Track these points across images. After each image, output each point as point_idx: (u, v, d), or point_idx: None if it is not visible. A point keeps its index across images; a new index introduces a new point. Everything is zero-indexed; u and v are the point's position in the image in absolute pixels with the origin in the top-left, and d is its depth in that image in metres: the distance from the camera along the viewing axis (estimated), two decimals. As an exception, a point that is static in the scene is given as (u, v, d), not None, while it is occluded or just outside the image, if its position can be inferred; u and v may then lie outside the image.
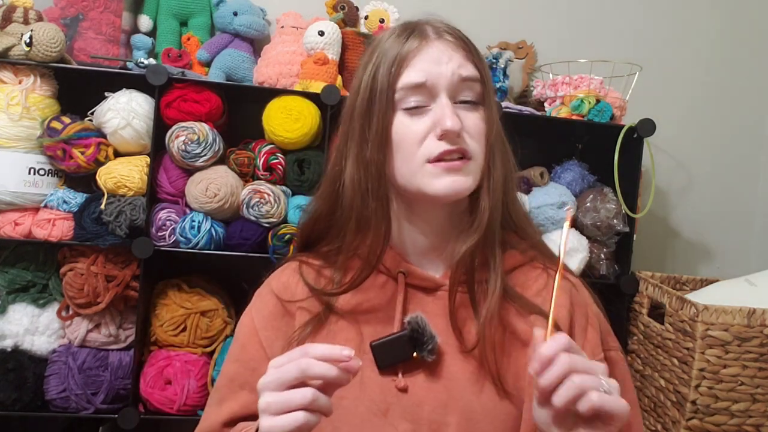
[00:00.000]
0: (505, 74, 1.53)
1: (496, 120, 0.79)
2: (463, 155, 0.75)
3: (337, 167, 0.82)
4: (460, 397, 0.75)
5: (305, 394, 0.60)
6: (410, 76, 0.76)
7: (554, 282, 0.67)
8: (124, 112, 1.32)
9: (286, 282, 0.85)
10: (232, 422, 0.79)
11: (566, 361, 0.59)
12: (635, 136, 1.47)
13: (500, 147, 0.80)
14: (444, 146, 0.74)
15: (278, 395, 0.61)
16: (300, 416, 0.60)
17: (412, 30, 0.79)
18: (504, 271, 0.80)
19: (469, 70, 0.77)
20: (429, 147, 0.75)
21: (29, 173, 1.33)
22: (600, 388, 0.59)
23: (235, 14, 1.51)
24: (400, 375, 0.76)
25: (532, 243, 0.84)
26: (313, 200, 0.87)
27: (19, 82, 1.32)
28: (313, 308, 0.81)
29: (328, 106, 1.35)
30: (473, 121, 0.77)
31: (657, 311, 1.44)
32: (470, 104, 0.78)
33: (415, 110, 0.76)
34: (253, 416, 0.76)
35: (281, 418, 0.60)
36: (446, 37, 0.78)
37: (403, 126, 0.76)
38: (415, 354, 0.75)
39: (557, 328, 0.76)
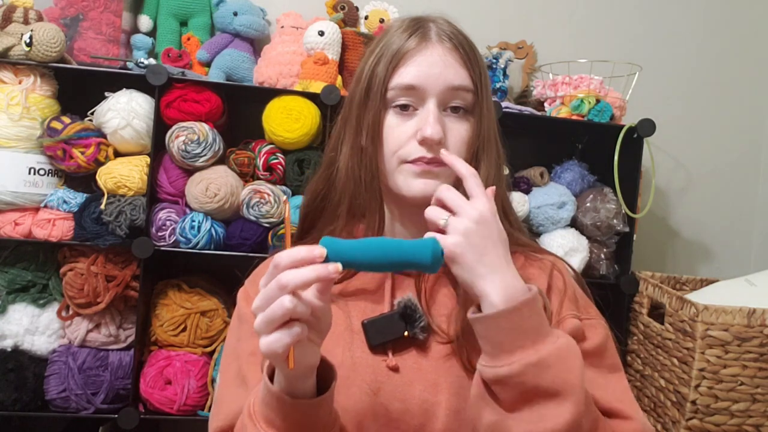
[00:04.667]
0: (505, 74, 1.53)
1: (487, 128, 0.81)
2: (439, 164, 0.78)
3: (333, 152, 0.85)
4: (450, 375, 0.76)
5: (284, 303, 0.58)
6: (403, 76, 0.78)
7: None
8: (124, 112, 1.32)
9: None
10: None
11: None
12: (635, 136, 1.47)
13: (490, 154, 0.81)
14: (422, 152, 0.78)
15: (263, 315, 0.59)
16: (286, 331, 0.59)
17: (416, 28, 0.81)
18: None
19: (462, 79, 0.79)
20: (408, 149, 0.78)
21: (29, 173, 1.33)
22: (435, 226, 0.70)
23: (235, 14, 1.51)
24: (390, 354, 0.77)
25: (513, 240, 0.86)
26: (310, 183, 0.90)
27: (19, 82, 1.32)
28: None
29: (328, 106, 1.35)
30: (458, 131, 0.79)
31: (657, 311, 1.44)
32: (460, 112, 0.80)
33: (404, 110, 0.79)
34: None
35: (270, 337, 0.59)
36: (446, 43, 0.79)
37: (391, 125, 0.80)
38: (406, 333, 0.77)
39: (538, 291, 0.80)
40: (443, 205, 0.71)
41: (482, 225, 0.68)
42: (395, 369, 0.77)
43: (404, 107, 0.79)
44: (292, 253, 0.60)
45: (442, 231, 0.70)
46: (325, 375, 0.68)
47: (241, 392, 0.78)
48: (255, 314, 0.61)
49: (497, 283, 0.67)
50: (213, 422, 0.79)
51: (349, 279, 0.83)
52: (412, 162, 0.78)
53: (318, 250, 0.60)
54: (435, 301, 0.81)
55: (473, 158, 0.80)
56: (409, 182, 0.79)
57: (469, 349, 0.76)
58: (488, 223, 0.69)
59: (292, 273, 0.59)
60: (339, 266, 0.60)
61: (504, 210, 0.87)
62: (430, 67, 0.78)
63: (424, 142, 0.77)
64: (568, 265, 0.89)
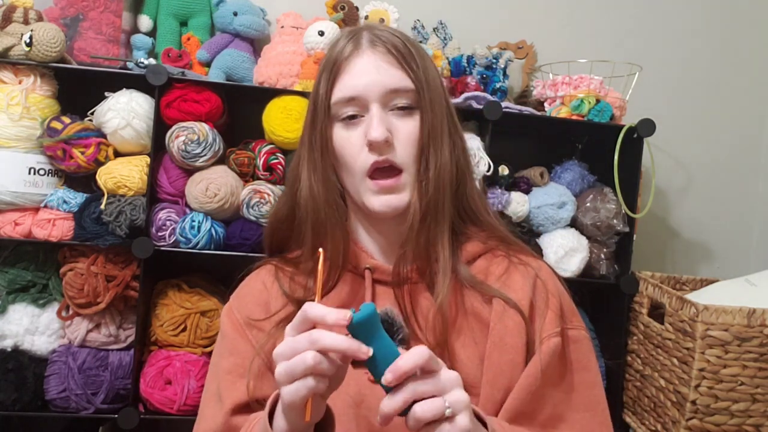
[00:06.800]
0: (505, 74, 1.53)
1: (432, 122, 0.81)
2: (392, 167, 0.79)
3: (294, 173, 0.86)
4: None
5: (305, 359, 0.60)
6: (341, 90, 0.80)
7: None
8: (124, 112, 1.32)
9: (264, 281, 0.88)
10: (238, 410, 0.80)
11: (411, 390, 0.61)
12: (635, 136, 1.47)
13: (439, 148, 0.81)
14: (373, 157, 0.78)
15: (285, 364, 0.61)
16: (304, 383, 0.60)
17: (350, 38, 0.82)
18: (465, 261, 0.84)
19: (398, 81, 0.79)
20: (363, 159, 0.79)
21: (29, 173, 1.33)
22: (442, 413, 0.61)
23: (235, 14, 1.51)
24: None
25: (491, 233, 0.87)
26: (274, 206, 0.91)
27: (19, 82, 1.32)
28: (288, 311, 0.83)
29: (328, 106, 1.35)
30: (404, 128, 0.80)
31: (657, 311, 1.44)
32: (405, 110, 0.80)
33: (350, 121, 0.80)
34: (258, 401, 0.78)
35: (289, 387, 0.61)
36: (378, 48, 0.80)
37: (341, 138, 0.81)
38: None
39: (519, 311, 0.80)
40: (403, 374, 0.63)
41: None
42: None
43: (352, 117, 0.80)
44: (324, 312, 0.61)
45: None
46: (323, 421, 0.69)
47: (217, 409, 0.81)
48: (276, 360, 0.62)
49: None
50: None
51: (328, 293, 0.83)
52: (372, 174, 0.79)
53: (347, 314, 0.61)
54: (418, 309, 0.81)
55: (422, 153, 0.80)
56: (371, 200, 0.80)
57: (451, 356, 0.77)
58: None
59: (326, 335, 0.60)
60: (371, 351, 0.61)
61: (474, 204, 0.87)
62: (364, 75, 0.79)
63: (371, 146, 0.78)
64: (545, 262, 0.89)
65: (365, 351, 0.61)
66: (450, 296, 0.79)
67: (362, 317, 0.61)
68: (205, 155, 1.34)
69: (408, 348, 0.77)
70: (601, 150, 1.54)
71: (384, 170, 0.79)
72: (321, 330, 0.61)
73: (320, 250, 0.68)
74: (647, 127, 1.46)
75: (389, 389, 0.62)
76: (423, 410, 0.61)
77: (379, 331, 0.62)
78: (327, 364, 0.61)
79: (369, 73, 0.79)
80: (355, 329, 0.61)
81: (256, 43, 1.57)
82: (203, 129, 1.34)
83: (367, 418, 0.76)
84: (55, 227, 1.33)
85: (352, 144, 0.80)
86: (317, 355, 0.60)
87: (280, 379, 0.61)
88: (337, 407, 0.75)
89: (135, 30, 1.54)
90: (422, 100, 0.80)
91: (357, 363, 0.76)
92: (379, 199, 0.79)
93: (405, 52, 0.81)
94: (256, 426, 0.72)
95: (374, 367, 0.62)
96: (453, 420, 0.62)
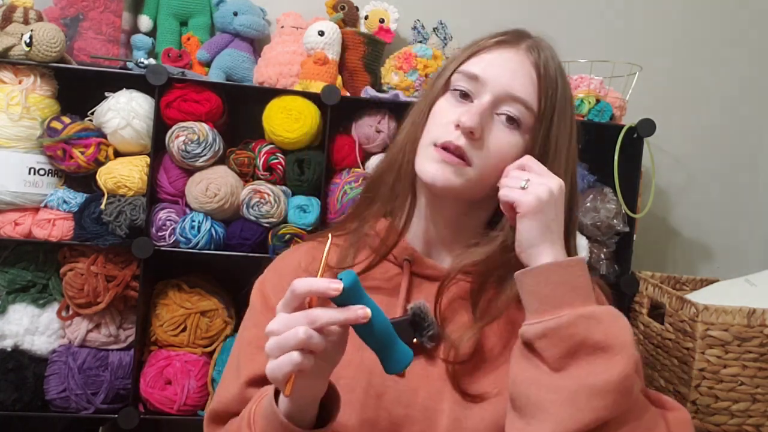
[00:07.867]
0: (505, 74, 1.53)
1: (541, 156, 0.77)
2: (462, 158, 0.75)
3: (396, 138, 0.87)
4: (455, 384, 0.76)
5: (297, 333, 0.58)
6: (473, 64, 0.78)
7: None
8: (124, 112, 1.32)
9: (300, 260, 0.86)
10: (254, 382, 0.78)
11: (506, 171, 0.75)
12: (635, 136, 1.47)
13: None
14: (453, 136, 0.75)
15: (276, 338, 0.60)
16: (289, 358, 0.58)
17: (514, 33, 0.82)
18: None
19: (524, 93, 0.76)
20: (442, 131, 0.77)
21: (29, 173, 1.33)
22: (517, 185, 0.72)
23: (235, 14, 1.51)
24: None
25: None
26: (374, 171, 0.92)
27: (19, 82, 1.32)
28: None
29: (328, 106, 1.35)
30: (498, 138, 0.76)
31: (657, 311, 1.44)
32: (513, 124, 0.77)
33: (460, 96, 0.78)
34: None
35: (275, 361, 0.59)
36: (532, 55, 0.78)
37: (441, 106, 0.79)
38: (415, 340, 0.76)
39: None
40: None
41: (559, 195, 0.72)
42: (401, 374, 0.76)
43: (464, 95, 0.78)
44: (311, 283, 0.60)
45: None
46: (329, 400, 0.68)
47: (233, 379, 0.80)
48: (268, 336, 0.61)
49: (556, 247, 0.71)
50: (210, 403, 0.82)
51: (364, 275, 0.81)
52: (439, 146, 0.76)
53: (335, 284, 0.59)
54: (450, 318, 0.80)
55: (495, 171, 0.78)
56: (425, 165, 0.77)
57: (468, 378, 0.76)
58: (561, 197, 0.72)
59: (322, 312, 0.59)
60: (369, 312, 0.59)
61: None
62: (501, 67, 0.77)
63: (458, 127, 0.75)
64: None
65: (363, 314, 0.59)
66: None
67: (349, 283, 0.59)
68: (205, 155, 1.34)
69: (437, 345, 0.77)
70: (601, 150, 1.54)
71: (450, 151, 0.76)
72: (318, 309, 0.60)
73: (329, 234, 0.67)
74: (647, 127, 1.46)
75: (386, 348, 0.62)
76: (507, 177, 0.74)
77: (363, 298, 0.61)
78: (318, 340, 0.59)
79: (506, 68, 0.77)
80: (346, 296, 0.60)
81: (256, 43, 1.57)
82: (203, 129, 1.34)
83: (388, 410, 0.75)
84: (55, 227, 1.33)
85: (443, 115, 0.78)
86: (309, 329, 0.58)
87: (270, 353, 0.60)
88: (357, 395, 0.75)
89: (135, 30, 1.54)
90: (534, 124, 0.77)
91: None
92: (435, 166, 0.76)
93: (552, 77, 0.77)
94: (264, 399, 0.71)
95: (370, 332, 0.61)
96: (526, 192, 0.71)
